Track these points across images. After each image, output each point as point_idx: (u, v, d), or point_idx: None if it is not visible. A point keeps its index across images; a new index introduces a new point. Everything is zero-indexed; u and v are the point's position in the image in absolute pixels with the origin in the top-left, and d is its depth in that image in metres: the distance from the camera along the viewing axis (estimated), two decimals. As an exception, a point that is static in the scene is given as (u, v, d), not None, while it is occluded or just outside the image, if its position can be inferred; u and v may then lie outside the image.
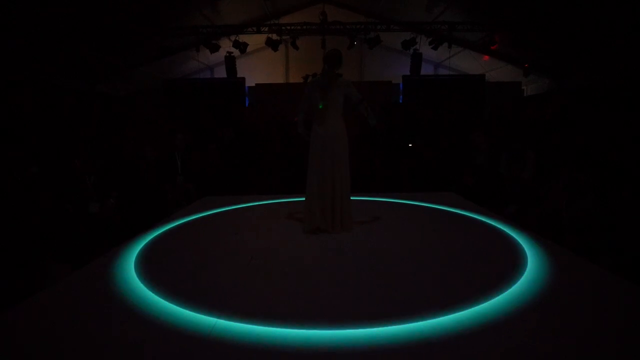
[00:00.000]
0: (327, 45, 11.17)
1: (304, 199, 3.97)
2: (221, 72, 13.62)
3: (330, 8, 12.09)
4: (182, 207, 5.29)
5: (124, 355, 1.86)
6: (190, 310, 2.24)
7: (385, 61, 14.51)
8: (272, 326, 2.06)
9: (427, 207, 4.93)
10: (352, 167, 4.03)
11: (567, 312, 2.20)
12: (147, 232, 3.92)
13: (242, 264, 3.04)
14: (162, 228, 4.07)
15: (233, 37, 11.50)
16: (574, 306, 2.27)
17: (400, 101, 13.20)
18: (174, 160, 6.28)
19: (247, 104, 13.21)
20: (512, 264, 2.90)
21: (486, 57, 12.96)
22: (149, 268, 2.94)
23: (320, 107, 3.81)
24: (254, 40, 12.00)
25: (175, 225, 4.20)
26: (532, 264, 2.88)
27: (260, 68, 14.46)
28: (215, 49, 11.71)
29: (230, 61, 12.83)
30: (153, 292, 2.50)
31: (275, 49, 11.86)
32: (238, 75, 13.12)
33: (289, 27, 11.53)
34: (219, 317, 2.16)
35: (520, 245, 3.33)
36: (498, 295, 2.38)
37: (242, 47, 11.67)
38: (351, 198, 4.00)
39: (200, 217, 4.59)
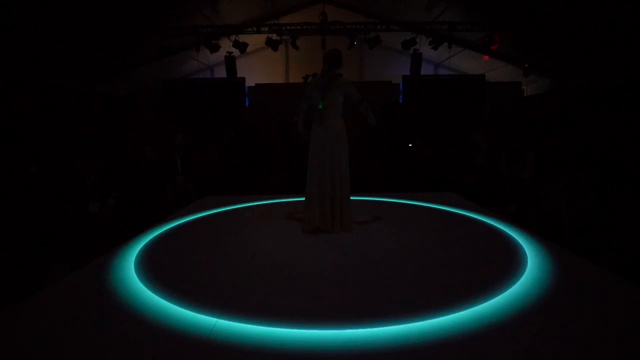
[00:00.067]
0: (327, 45, 11.17)
1: (304, 199, 3.97)
2: (221, 72, 13.62)
3: (330, 8, 12.09)
4: (182, 207, 5.29)
5: (124, 355, 1.86)
6: (190, 310, 2.24)
7: (385, 61, 14.52)
8: (272, 326, 2.06)
9: (427, 207, 4.93)
10: (352, 167, 4.03)
11: (567, 312, 2.20)
12: (147, 232, 3.92)
13: (242, 264, 3.04)
14: (162, 228, 4.07)
15: (233, 37, 11.50)
16: (574, 306, 2.27)
17: (400, 101, 13.21)
18: (174, 160, 6.28)
19: (247, 104, 13.21)
20: (512, 264, 2.90)
21: (486, 57, 12.96)
22: (149, 268, 2.94)
23: (320, 107, 3.81)
24: (254, 40, 12.00)
25: (175, 225, 4.20)
26: (532, 264, 2.88)
27: (260, 68, 14.46)
28: (215, 49, 11.72)
29: (230, 61, 12.83)
30: (153, 292, 2.50)
31: (275, 49, 11.87)
32: (238, 75, 13.13)
33: (289, 27, 11.54)
34: (219, 317, 2.16)
35: (520, 245, 3.33)
36: (498, 295, 2.38)
37: (242, 47, 11.68)
38: (351, 198, 4.00)
39: (200, 217, 4.59)
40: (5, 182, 4.33)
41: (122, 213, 4.76)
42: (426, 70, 13.73)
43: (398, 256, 3.18)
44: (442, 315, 2.14)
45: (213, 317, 2.16)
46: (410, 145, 8.36)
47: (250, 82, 13.24)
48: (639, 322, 2.10)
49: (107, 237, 4.13)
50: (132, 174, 5.78)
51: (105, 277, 2.76)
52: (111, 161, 6.02)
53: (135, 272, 2.86)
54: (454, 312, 2.17)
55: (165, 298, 2.41)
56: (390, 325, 2.05)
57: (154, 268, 2.94)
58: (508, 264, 2.91)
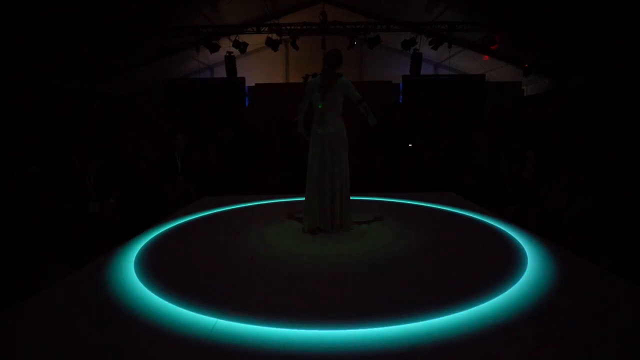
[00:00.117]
0: (327, 45, 11.17)
1: (303, 199, 3.97)
2: (221, 72, 13.62)
3: (330, 8, 12.09)
4: (182, 207, 5.28)
5: (124, 355, 1.86)
6: (190, 311, 2.24)
7: (385, 61, 14.52)
8: (272, 326, 2.06)
9: (427, 207, 4.93)
10: (352, 167, 4.03)
11: (567, 312, 2.20)
12: (147, 232, 3.92)
13: (242, 264, 3.04)
14: (162, 228, 4.07)
15: (233, 37, 11.51)
16: (574, 306, 2.27)
17: (400, 101, 13.21)
18: (174, 160, 6.28)
19: (247, 104, 13.21)
20: (512, 264, 2.90)
21: (486, 57, 12.96)
22: (149, 268, 2.93)
23: (320, 107, 3.81)
24: (254, 40, 12.00)
25: (175, 225, 4.20)
26: (532, 264, 2.88)
27: (260, 68, 14.46)
28: (215, 49, 11.72)
29: (230, 61, 12.83)
30: (153, 292, 2.50)
31: (275, 49, 11.87)
32: (238, 75, 13.13)
33: (289, 27, 11.54)
34: (219, 317, 2.16)
35: (520, 245, 3.33)
36: (498, 295, 2.38)
37: (242, 47, 11.68)
38: (351, 198, 4.00)
39: (200, 217, 4.59)
40: (5, 182, 4.32)
41: (122, 213, 4.76)
42: (426, 70, 13.73)
43: (398, 256, 3.18)
44: (442, 315, 2.14)
45: (213, 317, 2.16)
46: (410, 145, 8.37)
47: (250, 82, 13.25)
48: (639, 322, 2.10)
49: (107, 237, 4.12)
50: (132, 174, 5.78)
51: (105, 277, 2.76)
52: (111, 161, 6.02)
53: (135, 272, 2.86)
54: (454, 312, 2.17)
55: (165, 298, 2.41)
56: (390, 325, 2.05)
57: (154, 268, 2.94)
58: (508, 264, 2.91)
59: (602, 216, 3.86)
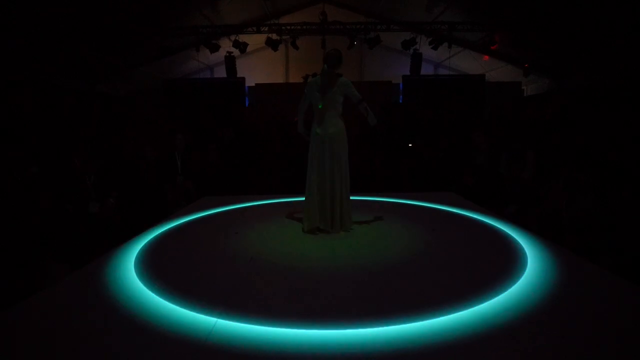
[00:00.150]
0: (327, 45, 11.17)
1: (303, 199, 3.97)
2: (221, 72, 13.62)
3: (330, 8, 12.09)
4: (182, 207, 5.29)
5: (124, 355, 1.86)
6: (190, 311, 2.24)
7: (385, 61, 14.52)
8: (272, 326, 2.06)
9: (427, 207, 4.93)
10: (352, 167, 4.03)
11: (567, 312, 2.20)
12: (147, 232, 3.92)
13: (242, 264, 3.04)
14: (162, 228, 4.07)
15: (233, 37, 11.50)
16: (574, 306, 2.27)
17: (400, 101, 13.21)
18: (174, 160, 6.28)
19: (247, 104, 13.21)
20: (512, 264, 2.90)
21: (486, 57, 12.96)
22: (149, 268, 2.94)
23: (320, 107, 3.81)
24: (254, 40, 12.00)
25: (175, 225, 4.20)
26: (532, 264, 2.88)
27: (260, 68, 14.46)
28: (215, 48, 11.72)
29: (230, 61, 12.83)
30: (153, 292, 2.50)
31: (275, 48, 11.87)
32: (238, 75, 13.13)
33: (289, 27, 11.54)
34: (219, 317, 2.16)
35: (520, 245, 3.33)
36: (498, 295, 2.38)
37: (242, 47, 11.67)
38: (351, 198, 4.00)
39: (200, 217, 4.59)
40: (5, 182, 4.32)
41: (122, 213, 4.76)
42: (426, 70, 13.73)
43: (398, 256, 3.18)
44: (442, 315, 2.14)
45: (213, 317, 2.16)
46: (410, 145, 8.37)
47: (250, 82, 13.24)
48: (639, 322, 2.10)
49: (107, 237, 4.13)
50: (132, 174, 5.78)
51: (105, 277, 2.77)
52: (111, 161, 6.02)
53: (135, 272, 2.86)
54: (454, 312, 2.17)
55: (165, 298, 2.41)
56: (390, 325, 2.05)
57: (154, 268, 2.94)
58: (508, 264, 2.91)
59: (602, 216, 3.86)
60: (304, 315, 2.18)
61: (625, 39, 8.19)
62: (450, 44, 11.57)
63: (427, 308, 2.21)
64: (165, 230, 4.02)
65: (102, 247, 3.51)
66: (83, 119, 8.47)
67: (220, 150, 7.43)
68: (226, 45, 11.99)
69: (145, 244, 3.54)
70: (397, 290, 2.55)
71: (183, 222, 4.33)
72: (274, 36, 11.68)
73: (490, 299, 2.33)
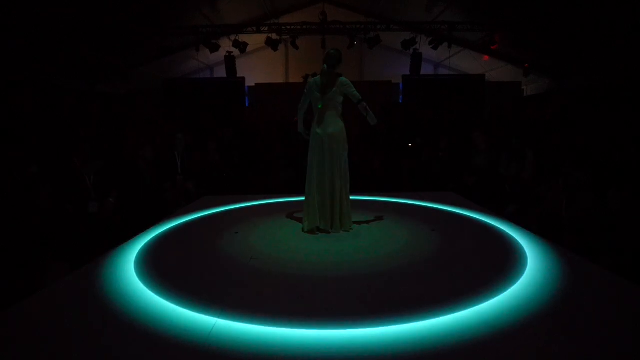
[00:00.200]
0: (327, 45, 11.17)
1: (303, 198, 3.97)
2: (221, 72, 13.61)
3: (330, 8, 12.09)
4: (182, 207, 5.28)
5: (123, 355, 1.86)
6: (190, 310, 2.24)
7: (385, 61, 14.52)
8: (272, 326, 2.06)
9: (427, 207, 4.93)
10: (352, 167, 4.03)
11: (567, 312, 2.20)
12: (147, 232, 3.92)
13: (242, 263, 3.04)
14: (162, 228, 4.07)
15: (233, 37, 11.50)
16: (574, 306, 2.27)
17: (400, 101, 13.20)
18: (174, 160, 6.28)
19: (247, 104, 13.20)
20: (512, 264, 2.90)
21: (486, 57, 12.96)
22: (149, 268, 2.93)
23: (320, 106, 3.81)
24: (254, 40, 12.00)
25: (175, 225, 4.20)
26: (532, 264, 2.88)
27: (260, 68, 14.46)
28: (215, 48, 11.71)
29: (230, 61, 12.82)
30: (153, 292, 2.50)
31: (275, 48, 11.86)
32: (238, 75, 13.12)
33: (288, 27, 11.53)
34: (219, 317, 2.16)
35: (520, 245, 3.33)
36: (498, 295, 2.38)
37: (242, 46, 11.67)
38: (351, 198, 4.00)
39: (200, 217, 4.59)
40: (5, 182, 4.32)
41: (122, 213, 4.76)
42: (426, 70, 13.73)
43: (398, 256, 3.18)
44: (442, 315, 2.14)
45: (213, 317, 2.16)
46: (410, 145, 8.37)
47: (250, 82, 13.24)
48: (639, 322, 2.10)
49: (106, 237, 4.12)
50: (132, 174, 5.77)
51: (105, 277, 2.76)
52: (111, 161, 6.02)
53: (135, 271, 2.86)
54: (454, 311, 2.17)
55: (165, 298, 2.41)
56: (390, 325, 2.05)
57: (154, 268, 2.94)
58: (508, 264, 2.91)
59: (602, 216, 3.86)
60: (304, 315, 2.18)
61: (625, 39, 8.19)
62: (450, 44, 11.57)
63: (427, 308, 2.21)
64: (165, 230, 4.02)
65: (102, 247, 3.51)
66: (83, 119, 8.47)
67: (220, 150, 7.43)
68: (226, 45, 11.98)
69: (145, 244, 3.53)
70: (397, 290, 2.55)
71: (183, 222, 4.33)
72: (274, 36, 11.68)
73: (490, 299, 2.33)
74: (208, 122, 10.09)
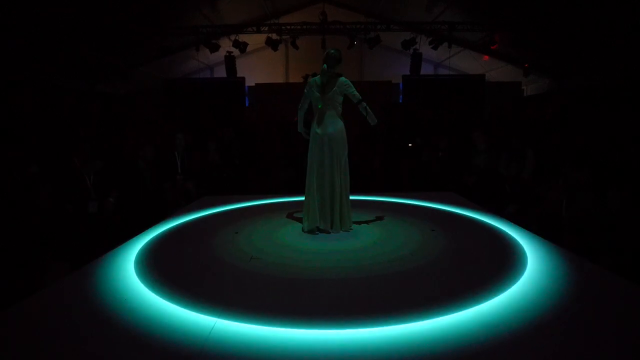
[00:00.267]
0: (327, 45, 11.16)
1: (303, 198, 3.97)
2: (221, 72, 13.61)
3: (330, 8, 12.08)
4: (182, 207, 5.28)
5: (123, 355, 1.86)
6: (190, 311, 2.24)
7: (385, 61, 14.52)
8: (272, 326, 2.06)
9: (427, 207, 4.93)
10: (352, 167, 4.03)
11: (567, 312, 2.20)
12: (147, 231, 3.92)
13: (242, 264, 3.04)
14: (162, 228, 4.07)
15: (233, 37, 11.50)
16: (574, 306, 2.26)
17: (400, 101, 13.20)
18: (174, 160, 6.28)
19: (247, 104, 13.20)
20: (512, 263, 2.90)
21: (486, 57, 12.95)
22: (149, 268, 2.94)
23: (320, 106, 3.81)
24: (254, 40, 11.99)
25: (175, 225, 4.20)
26: (532, 264, 2.88)
27: (260, 68, 14.46)
28: (215, 48, 11.71)
29: (230, 61, 12.82)
30: (153, 292, 2.50)
31: (275, 48, 11.86)
32: (238, 75, 13.11)
33: (288, 27, 11.53)
34: (219, 317, 2.16)
35: (520, 245, 3.33)
36: (498, 295, 2.38)
37: (242, 46, 11.66)
38: (351, 198, 4.00)
39: (200, 217, 4.59)
40: (5, 182, 4.32)
41: (122, 213, 4.76)
42: (426, 70, 13.73)
43: (398, 256, 3.18)
44: (442, 315, 2.14)
45: (213, 317, 2.16)
46: (410, 145, 8.36)
47: (250, 82, 13.24)
48: (639, 322, 2.10)
49: (106, 237, 4.12)
50: (132, 174, 5.77)
51: (105, 277, 2.77)
52: (111, 161, 6.01)
53: (135, 271, 2.86)
54: (454, 311, 2.17)
55: (164, 298, 2.41)
56: (390, 325, 2.05)
57: (154, 268, 2.94)
58: (508, 264, 2.91)
59: (602, 216, 3.86)
60: (304, 315, 2.18)
61: (625, 39, 8.19)
62: (450, 44, 11.56)
63: (427, 308, 2.21)
64: (165, 230, 4.02)
65: (102, 247, 3.51)
66: (83, 119, 8.47)
67: (220, 150, 7.43)
68: (226, 45, 11.98)
69: (145, 244, 3.54)
70: (397, 290, 2.55)
71: (183, 222, 4.33)
72: (274, 36, 11.68)
73: (490, 298, 2.33)
74: (208, 122, 10.09)
